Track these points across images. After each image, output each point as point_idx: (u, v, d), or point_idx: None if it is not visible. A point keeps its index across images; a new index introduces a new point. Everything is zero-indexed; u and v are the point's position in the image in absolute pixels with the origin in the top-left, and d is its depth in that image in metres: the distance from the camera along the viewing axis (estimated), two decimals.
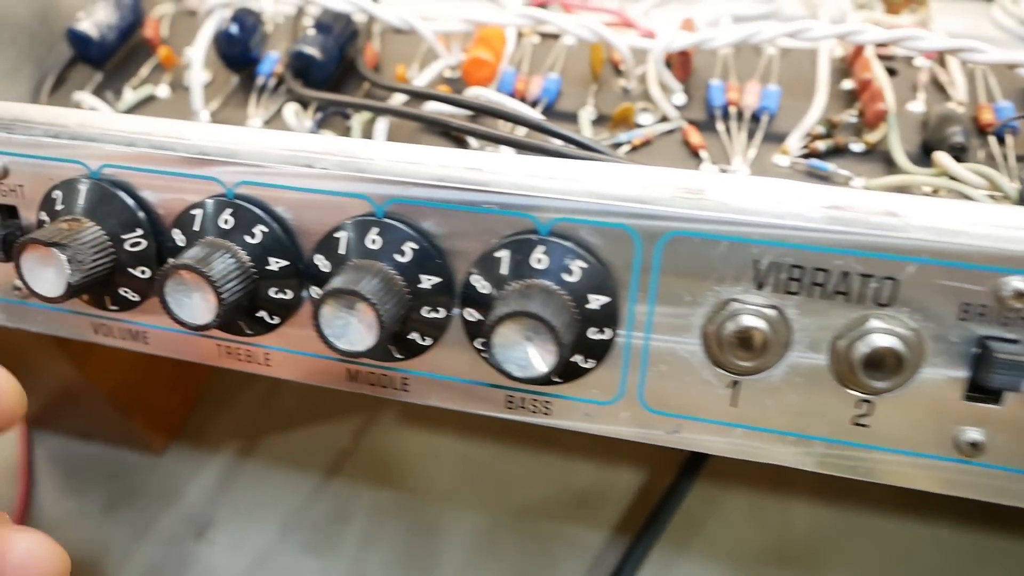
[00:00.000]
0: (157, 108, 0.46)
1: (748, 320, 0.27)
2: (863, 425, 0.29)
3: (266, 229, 0.30)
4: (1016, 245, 0.25)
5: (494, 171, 0.29)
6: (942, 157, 0.35)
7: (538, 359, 0.27)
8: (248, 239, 0.30)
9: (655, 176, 0.28)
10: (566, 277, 0.28)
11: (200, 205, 0.31)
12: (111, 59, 0.48)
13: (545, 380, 0.27)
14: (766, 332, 0.27)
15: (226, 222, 0.30)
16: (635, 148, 0.40)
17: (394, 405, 0.60)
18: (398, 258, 0.29)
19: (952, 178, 0.35)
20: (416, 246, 0.29)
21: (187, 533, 0.55)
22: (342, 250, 0.29)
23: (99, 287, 0.33)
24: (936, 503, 0.52)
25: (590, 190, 0.28)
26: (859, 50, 0.42)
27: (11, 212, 0.35)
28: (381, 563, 0.52)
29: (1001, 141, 0.38)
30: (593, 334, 0.28)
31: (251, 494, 0.56)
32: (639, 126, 0.41)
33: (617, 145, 0.40)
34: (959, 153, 0.37)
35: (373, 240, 0.29)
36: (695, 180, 0.28)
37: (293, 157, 0.30)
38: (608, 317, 0.28)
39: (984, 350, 0.26)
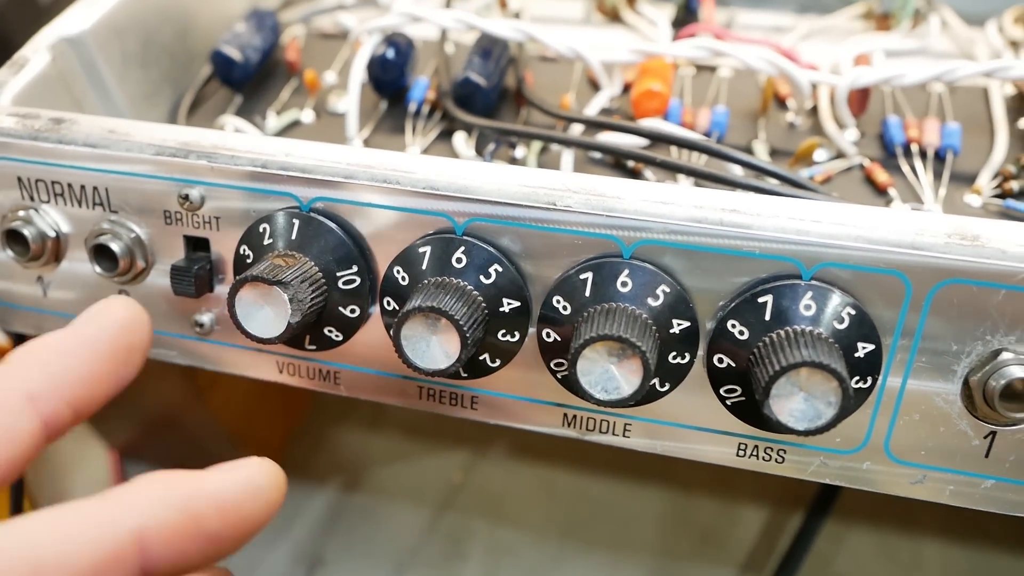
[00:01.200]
0: (304, 133, 0.44)
1: (1019, 371, 0.27)
2: None
3: (500, 269, 0.29)
4: None
5: (754, 213, 0.28)
6: None
7: (817, 411, 0.25)
8: (483, 279, 0.29)
9: (921, 220, 0.27)
10: (837, 325, 0.27)
11: (428, 243, 0.29)
12: (250, 82, 0.47)
13: (821, 430, 0.26)
14: None
15: (459, 261, 0.29)
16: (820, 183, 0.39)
17: (503, 437, 0.59)
18: (651, 302, 0.28)
19: None
20: (667, 290, 0.28)
21: (297, 571, 0.53)
22: (587, 292, 0.28)
23: (304, 327, 0.32)
24: None
25: (859, 235, 0.27)
26: None
27: (199, 244, 0.33)
28: None
29: None
30: (857, 383, 0.28)
31: (360, 530, 0.55)
32: (816, 163, 0.41)
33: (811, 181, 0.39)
34: None
35: (624, 283, 0.28)
36: (967, 225, 0.27)
37: (534, 195, 0.29)
38: (871, 366, 0.27)
39: None
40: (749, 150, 0.41)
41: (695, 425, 0.30)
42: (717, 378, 0.29)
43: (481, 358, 0.30)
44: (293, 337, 0.29)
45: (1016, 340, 0.27)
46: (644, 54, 0.42)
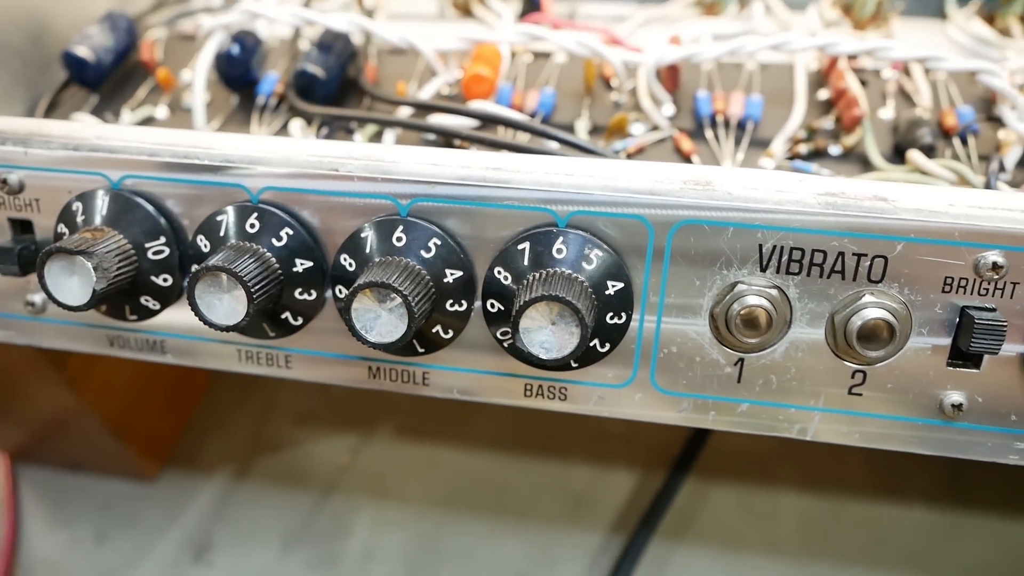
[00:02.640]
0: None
1: (753, 300, 0.29)
2: (858, 394, 0.31)
3: (291, 232, 0.31)
4: (991, 223, 0.28)
5: (514, 169, 0.30)
6: (915, 155, 0.38)
7: (563, 341, 0.28)
8: (274, 242, 0.31)
9: (665, 170, 0.30)
10: (585, 266, 0.30)
11: (224, 211, 0.32)
12: (107, 82, 0.49)
13: (567, 363, 0.29)
14: (769, 311, 0.29)
15: (252, 227, 0.31)
16: (629, 156, 0.42)
17: (389, 420, 0.61)
18: (424, 254, 0.31)
19: (924, 174, 0.38)
20: (440, 242, 0.31)
21: (185, 557, 0.54)
22: (367, 249, 0.31)
23: (120, 297, 0.34)
24: (909, 485, 0.55)
25: (605, 184, 0.30)
26: (833, 62, 0.45)
27: (25, 227, 0.35)
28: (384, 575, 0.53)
29: (964, 142, 0.42)
30: (610, 319, 0.30)
31: (249, 515, 0.56)
32: (632, 136, 0.44)
33: (615, 153, 0.42)
34: (928, 152, 0.40)
35: (399, 238, 0.31)
36: (703, 173, 0.30)
37: (319, 162, 0.31)
38: (624, 302, 0.30)
39: (964, 319, 0.29)
40: (571, 128, 0.44)
41: (484, 370, 0.33)
42: (492, 322, 0.31)
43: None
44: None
45: (748, 272, 0.30)
46: (471, 41, 0.45)
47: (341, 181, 0.31)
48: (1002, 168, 0.39)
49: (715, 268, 0.30)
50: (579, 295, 0.28)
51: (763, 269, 0.30)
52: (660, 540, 0.54)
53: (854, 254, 0.29)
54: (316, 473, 0.58)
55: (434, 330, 0.32)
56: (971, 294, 0.29)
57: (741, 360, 0.31)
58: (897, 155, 0.41)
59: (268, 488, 0.57)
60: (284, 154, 0.32)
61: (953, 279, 0.29)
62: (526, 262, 0.30)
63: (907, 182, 0.38)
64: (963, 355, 0.30)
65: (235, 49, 0.46)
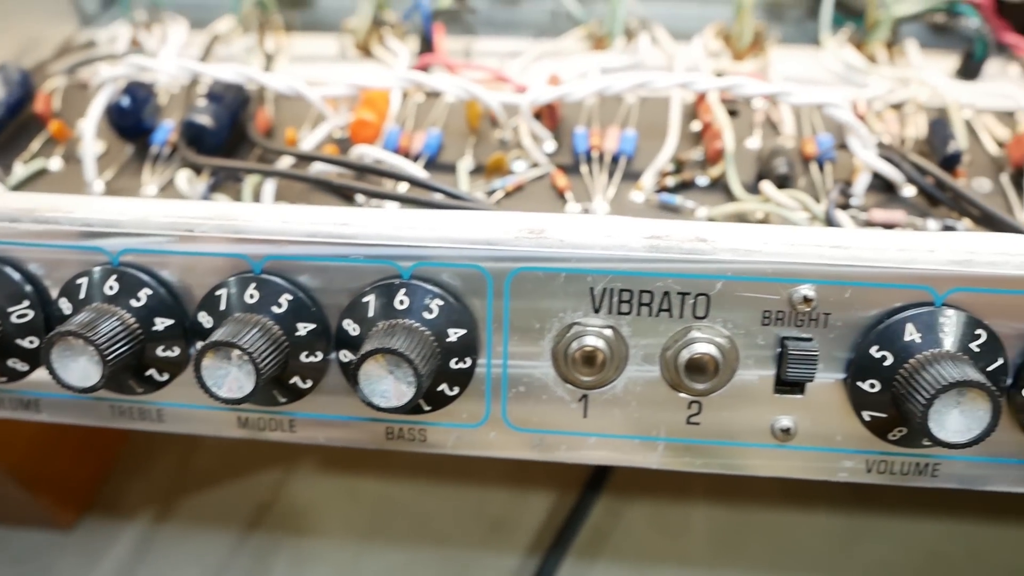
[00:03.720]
0: (50, 181, 0.47)
1: (589, 340, 0.31)
2: (696, 423, 0.32)
3: (151, 292, 0.33)
4: (800, 259, 0.30)
5: (361, 224, 0.32)
6: (765, 186, 0.40)
7: (400, 390, 0.30)
8: (134, 303, 0.33)
9: (501, 220, 0.32)
10: (427, 315, 0.31)
11: (85, 275, 0.33)
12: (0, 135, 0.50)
13: (409, 409, 0.30)
14: (605, 350, 0.31)
15: (111, 288, 0.33)
16: (509, 193, 0.44)
17: (312, 454, 0.62)
18: (275, 310, 0.32)
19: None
20: (291, 297, 0.32)
21: None
22: (222, 307, 0.32)
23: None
24: (814, 491, 0.57)
25: (445, 236, 0.31)
26: (702, 96, 0.47)
27: None
28: None
29: (821, 168, 0.44)
30: (455, 364, 0.32)
31: (170, 557, 0.57)
32: (513, 173, 0.45)
33: (492, 191, 0.44)
34: (784, 181, 0.42)
35: (251, 295, 0.32)
36: (536, 221, 0.31)
37: (174, 224, 0.33)
38: (467, 348, 0.32)
39: (783, 349, 0.31)
40: (454, 168, 0.46)
41: (347, 415, 0.34)
42: (346, 372, 0.33)
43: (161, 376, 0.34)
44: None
45: (583, 314, 0.31)
46: (357, 87, 0.46)
47: (196, 242, 0.32)
48: (845, 195, 0.41)
49: (552, 311, 0.31)
50: (418, 344, 0.30)
51: (596, 311, 0.31)
52: (575, 559, 0.55)
53: (679, 293, 0.31)
54: (238, 511, 0.59)
55: (292, 380, 0.33)
56: (789, 325, 0.31)
57: (585, 396, 0.33)
58: (759, 184, 0.43)
59: (190, 529, 0.58)
60: (140, 217, 0.33)
61: (771, 312, 0.31)
62: (371, 313, 0.31)
63: (762, 211, 0.40)
64: (787, 382, 0.31)
65: (125, 100, 0.47)
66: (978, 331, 0.30)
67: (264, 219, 0.32)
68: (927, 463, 0.32)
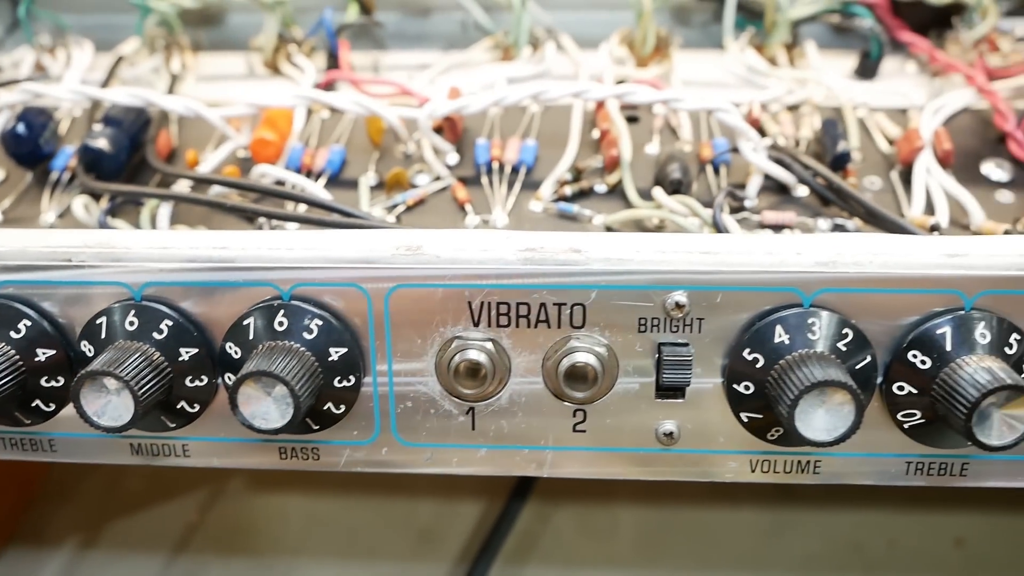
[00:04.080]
0: None
1: (471, 354, 0.31)
2: (582, 431, 0.33)
3: (30, 323, 0.32)
4: (671, 266, 0.31)
5: (239, 248, 0.32)
6: (656, 192, 0.41)
7: (279, 411, 0.30)
8: (14, 335, 0.32)
9: (379, 238, 0.32)
10: (306, 335, 0.31)
11: None
12: None
13: (294, 429, 0.30)
14: (486, 363, 0.31)
15: None
16: (410, 207, 0.44)
17: (241, 474, 0.62)
18: (156, 336, 0.32)
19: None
20: (171, 323, 0.32)
21: None
22: (103, 335, 0.32)
23: None
24: (737, 488, 0.58)
25: (323, 256, 0.32)
26: (601, 104, 0.47)
27: None
28: None
29: (716, 172, 0.45)
30: (339, 383, 0.32)
31: None
32: (416, 186, 0.45)
33: (395, 206, 0.44)
34: (678, 186, 0.42)
35: (131, 323, 0.32)
36: (413, 238, 0.32)
37: (53, 253, 0.32)
38: (350, 366, 0.32)
39: (660, 355, 0.31)
40: (356, 184, 0.46)
41: (237, 438, 0.34)
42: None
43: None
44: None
45: (463, 328, 0.32)
46: (256, 106, 0.46)
47: (75, 270, 0.32)
48: (736, 199, 0.42)
49: (433, 326, 0.32)
50: (296, 365, 0.30)
51: (476, 324, 0.32)
52: (504, 566, 0.55)
53: (555, 304, 0.31)
54: (166, 533, 0.58)
55: (179, 405, 0.33)
56: (665, 331, 0.31)
57: (471, 409, 0.33)
58: (652, 190, 0.44)
59: (117, 554, 0.57)
60: (18, 248, 0.32)
61: (647, 319, 0.31)
62: (251, 336, 0.31)
63: (658, 217, 0.41)
64: (666, 387, 0.32)
65: (20, 127, 0.46)
66: (845, 330, 0.31)
67: (142, 245, 0.32)
68: (808, 460, 0.33)
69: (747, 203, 0.43)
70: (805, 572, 0.55)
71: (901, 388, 0.31)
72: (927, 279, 0.30)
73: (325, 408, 0.32)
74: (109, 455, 0.35)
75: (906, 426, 0.32)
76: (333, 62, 0.55)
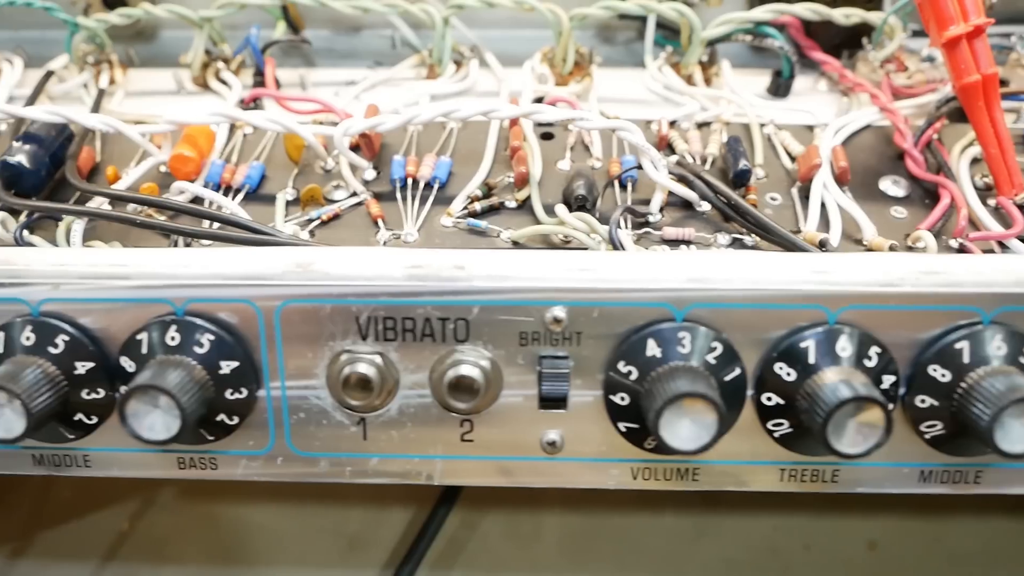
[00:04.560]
0: None
1: (359, 367, 0.33)
2: (470, 440, 0.34)
3: None
4: (551, 282, 0.32)
5: (137, 265, 0.33)
6: (559, 209, 0.42)
7: (166, 423, 0.31)
8: None
9: (271, 255, 0.33)
10: (197, 350, 0.32)
11: None
12: None
13: (186, 440, 0.31)
14: (375, 375, 0.33)
15: None
16: (325, 223, 0.45)
17: (172, 483, 0.62)
18: (52, 351, 0.33)
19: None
20: (68, 339, 0.33)
21: None
22: (1, 350, 0.33)
23: None
24: (659, 496, 0.59)
25: (216, 272, 0.33)
26: (514, 121, 0.49)
27: None
28: None
29: (624, 188, 0.46)
30: (231, 395, 0.33)
31: None
32: (332, 202, 0.46)
33: (309, 221, 0.45)
34: (583, 202, 0.44)
35: (27, 338, 0.33)
36: (305, 255, 0.33)
37: None
38: (242, 379, 0.33)
39: (540, 367, 0.33)
40: (273, 199, 0.47)
41: (137, 448, 0.35)
42: None
43: None
44: None
45: (352, 342, 0.33)
46: (175, 123, 0.47)
47: None
48: (636, 215, 0.43)
49: (322, 340, 0.33)
50: (183, 379, 0.31)
51: (364, 338, 0.33)
52: (429, 572, 0.56)
53: (439, 319, 0.32)
54: (96, 543, 0.58)
55: (77, 418, 0.34)
56: (546, 345, 0.33)
57: (363, 420, 0.34)
58: (567, 206, 0.45)
59: (44, 564, 0.58)
60: None
61: (527, 333, 0.33)
62: (145, 351, 0.32)
63: (563, 233, 0.42)
64: (547, 398, 0.33)
65: None
66: (715, 344, 0.32)
67: (43, 262, 0.33)
68: (687, 468, 0.35)
69: (651, 219, 0.44)
70: (724, 575, 0.57)
71: (769, 399, 0.33)
72: (793, 295, 0.32)
73: (218, 419, 0.33)
74: (12, 466, 0.36)
75: (776, 435, 0.33)
76: (260, 79, 0.56)
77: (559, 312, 0.32)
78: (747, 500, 0.61)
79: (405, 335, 0.33)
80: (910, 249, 0.43)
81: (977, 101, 0.45)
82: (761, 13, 0.55)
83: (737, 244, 0.43)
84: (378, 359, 0.33)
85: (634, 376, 0.32)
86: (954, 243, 0.43)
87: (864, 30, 0.57)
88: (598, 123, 0.44)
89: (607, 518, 0.59)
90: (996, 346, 0.32)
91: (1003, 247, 0.43)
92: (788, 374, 0.32)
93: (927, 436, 0.33)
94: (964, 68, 0.45)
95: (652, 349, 0.32)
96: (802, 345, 0.32)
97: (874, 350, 0.32)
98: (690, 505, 0.60)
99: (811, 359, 0.32)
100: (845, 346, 0.32)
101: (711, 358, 0.32)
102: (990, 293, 0.32)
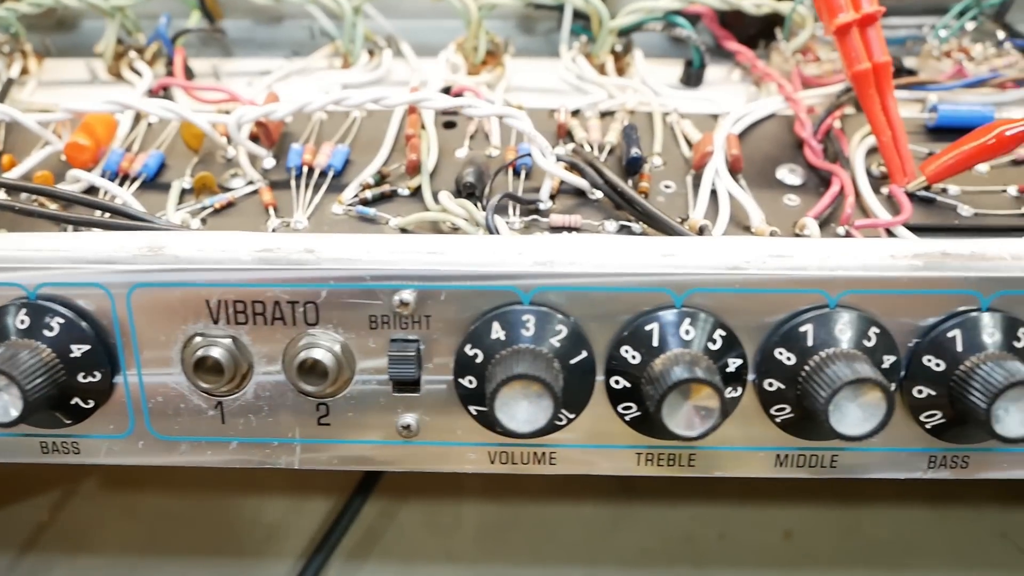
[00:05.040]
0: None
1: (210, 351, 0.33)
2: (327, 424, 0.34)
3: None
4: (397, 265, 0.32)
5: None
6: (442, 196, 0.42)
7: (11, 405, 0.31)
8: None
9: (124, 239, 0.33)
10: (47, 333, 0.32)
11: None
12: None
13: (29, 422, 0.31)
14: (226, 358, 0.33)
15: None
16: (218, 211, 0.45)
17: (96, 473, 0.63)
18: None
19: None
20: None
21: None
22: None
23: None
24: (582, 482, 0.59)
25: (68, 256, 0.33)
26: (412, 109, 0.49)
27: None
28: None
29: (517, 175, 0.46)
30: (84, 379, 0.33)
31: None
32: (227, 190, 0.46)
33: (203, 209, 0.45)
34: (472, 189, 0.44)
35: None
36: (157, 239, 0.33)
37: None
38: (94, 363, 0.33)
39: (389, 350, 0.33)
40: (168, 188, 0.47)
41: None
42: None
43: None
44: None
45: (204, 326, 0.33)
46: (72, 112, 0.47)
47: None
48: (524, 202, 0.43)
49: (175, 324, 0.33)
50: (26, 361, 0.31)
51: (215, 322, 0.33)
52: (344, 562, 0.57)
53: (288, 302, 0.32)
54: (13, 534, 0.59)
55: None
56: (396, 328, 0.33)
57: (220, 403, 0.34)
58: (457, 193, 0.45)
59: None
60: None
61: (377, 317, 0.33)
62: None
63: (443, 220, 0.42)
64: (398, 381, 0.33)
65: None
66: (560, 327, 0.32)
67: None
68: (544, 452, 0.35)
69: (541, 206, 0.44)
70: (638, 564, 0.57)
71: (617, 382, 0.33)
72: (640, 278, 0.32)
73: (73, 403, 0.33)
74: None
75: (627, 418, 0.33)
76: (171, 69, 0.56)
77: (406, 295, 0.32)
78: (667, 489, 0.61)
79: (256, 318, 0.33)
80: (796, 236, 0.43)
81: (868, 89, 0.45)
82: (671, 2, 0.55)
83: (625, 231, 0.43)
84: (229, 342, 0.33)
85: (480, 359, 0.32)
86: (841, 230, 0.43)
87: (779, 20, 0.57)
88: (485, 110, 0.44)
89: (526, 507, 0.59)
90: (840, 329, 0.32)
91: (891, 234, 0.43)
92: (634, 357, 0.32)
93: (777, 420, 0.33)
94: (855, 56, 0.45)
95: (497, 332, 0.32)
96: (647, 328, 0.32)
97: (719, 333, 0.32)
98: (609, 495, 0.60)
99: (655, 342, 0.32)
100: (688, 329, 0.32)
101: (556, 341, 0.32)
102: (836, 276, 0.32)
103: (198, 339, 0.33)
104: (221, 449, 0.35)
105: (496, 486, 0.61)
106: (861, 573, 0.57)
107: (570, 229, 0.43)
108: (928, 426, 0.34)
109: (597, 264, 0.32)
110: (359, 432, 0.34)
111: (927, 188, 0.46)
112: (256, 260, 0.32)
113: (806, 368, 0.31)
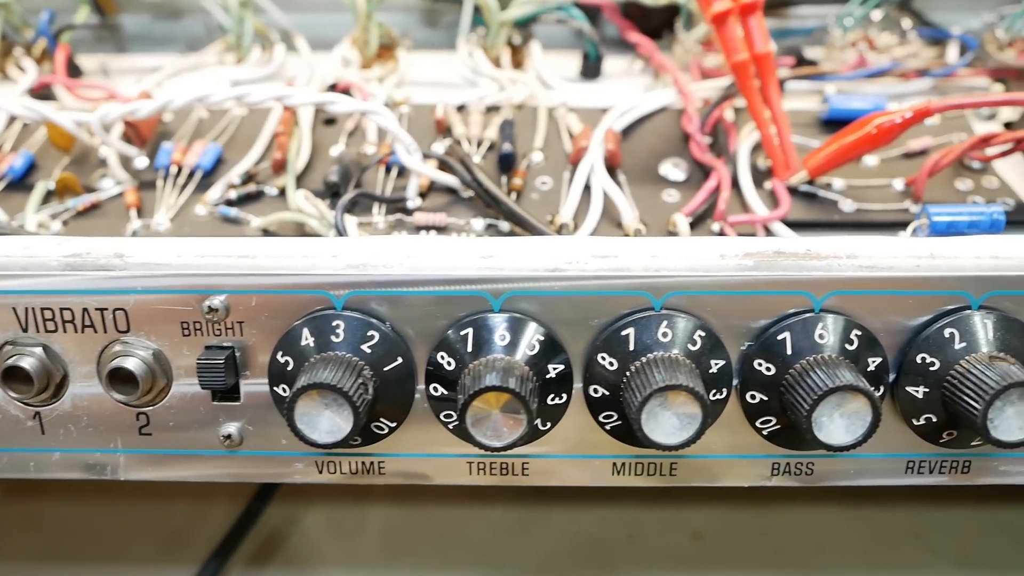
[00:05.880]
0: None
1: (18, 360, 0.32)
2: (148, 434, 0.33)
3: None
4: (209, 271, 0.31)
5: None
6: (297, 195, 0.41)
7: None
8: None
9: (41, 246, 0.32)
10: None
11: None
12: None
13: None
14: (36, 368, 0.32)
15: None
16: (81, 213, 0.44)
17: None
18: None
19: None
20: None
21: None
22: None
23: None
24: (489, 489, 0.58)
25: None
26: (288, 108, 0.48)
27: None
28: None
29: (388, 172, 0.45)
30: None
31: None
32: (93, 191, 0.45)
33: (66, 211, 0.44)
34: (336, 188, 0.43)
35: None
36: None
37: None
38: None
39: (199, 357, 0.31)
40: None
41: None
42: None
43: None
44: None
45: (14, 334, 0.32)
46: None
47: None
48: (387, 202, 0.42)
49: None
50: None
51: (25, 330, 0.32)
52: (245, 567, 0.56)
53: (97, 309, 0.31)
54: None
55: None
56: (210, 335, 0.32)
57: (38, 414, 0.33)
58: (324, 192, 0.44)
59: None
60: None
61: (189, 323, 0.32)
62: None
63: (297, 220, 0.41)
64: (209, 390, 0.32)
65: None
66: (371, 332, 0.31)
67: None
68: (372, 462, 0.34)
69: (410, 205, 0.43)
70: (546, 568, 0.55)
71: (436, 389, 0.32)
72: (457, 280, 0.31)
73: None
74: None
75: (449, 426, 0.32)
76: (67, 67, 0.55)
77: (215, 301, 0.31)
78: (578, 493, 0.60)
79: (66, 326, 0.32)
80: (670, 234, 0.42)
81: (748, 81, 0.44)
82: None
83: (492, 230, 0.42)
84: (39, 351, 0.32)
85: (291, 366, 0.31)
86: (716, 227, 0.42)
87: (675, 12, 0.56)
88: (347, 106, 0.43)
89: (434, 512, 0.58)
90: (664, 332, 0.31)
91: (768, 231, 0.42)
92: (449, 363, 0.31)
93: (607, 428, 0.32)
94: (732, 46, 0.44)
95: (306, 339, 0.31)
96: (462, 333, 0.31)
97: (538, 339, 0.31)
98: (520, 498, 0.59)
99: (469, 347, 0.31)
100: (504, 335, 0.31)
101: (367, 347, 0.31)
102: (659, 277, 0.31)
103: (8, 348, 0.32)
104: (44, 460, 0.34)
105: (401, 490, 0.60)
106: (771, 574, 0.56)
107: (435, 228, 0.42)
108: (765, 432, 0.32)
109: (412, 267, 0.31)
110: (182, 442, 0.33)
111: (810, 182, 0.45)
112: (63, 266, 0.31)
113: (626, 375, 0.30)
